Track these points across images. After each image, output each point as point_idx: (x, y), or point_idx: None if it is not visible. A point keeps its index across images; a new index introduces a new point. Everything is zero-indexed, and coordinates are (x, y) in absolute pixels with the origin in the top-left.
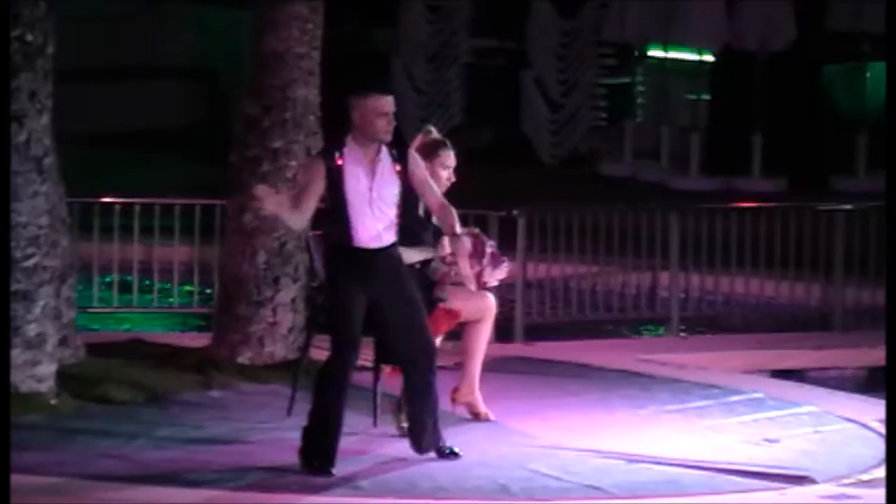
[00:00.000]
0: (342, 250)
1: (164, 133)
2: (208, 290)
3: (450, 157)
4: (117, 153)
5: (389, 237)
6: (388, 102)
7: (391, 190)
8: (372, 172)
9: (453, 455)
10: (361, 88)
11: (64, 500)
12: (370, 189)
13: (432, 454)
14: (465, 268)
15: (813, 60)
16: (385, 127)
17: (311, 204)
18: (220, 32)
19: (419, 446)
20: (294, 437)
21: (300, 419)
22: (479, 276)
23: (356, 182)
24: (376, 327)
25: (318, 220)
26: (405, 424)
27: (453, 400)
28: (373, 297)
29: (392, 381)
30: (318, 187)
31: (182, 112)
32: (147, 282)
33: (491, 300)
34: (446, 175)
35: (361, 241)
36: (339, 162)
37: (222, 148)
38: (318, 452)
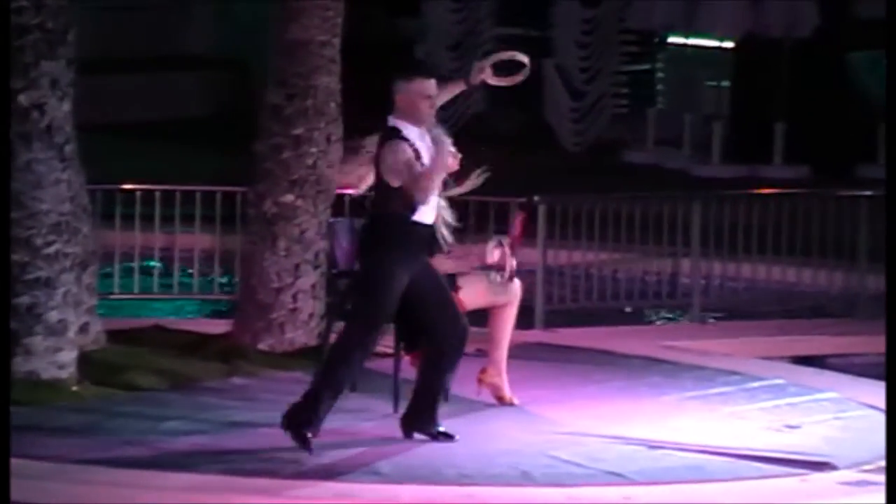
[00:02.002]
0: (404, 225)
1: (193, 122)
2: (228, 277)
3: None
4: (145, 143)
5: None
6: (431, 85)
7: None
8: (427, 150)
9: (446, 437)
10: (406, 72)
11: (86, 485)
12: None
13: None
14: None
15: (838, 47)
16: (427, 109)
17: None
18: (249, 22)
19: (417, 428)
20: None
21: None
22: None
23: (427, 158)
24: (414, 307)
25: (337, 206)
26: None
27: (480, 381)
28: (416, 275)
29: (412, 367)
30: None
31: (211, 101)
32: (168, 269)
33: (517, 285)
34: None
35: (423, 216)
36: (411, 140)
37: (250, 137)
38: (315, 422)
